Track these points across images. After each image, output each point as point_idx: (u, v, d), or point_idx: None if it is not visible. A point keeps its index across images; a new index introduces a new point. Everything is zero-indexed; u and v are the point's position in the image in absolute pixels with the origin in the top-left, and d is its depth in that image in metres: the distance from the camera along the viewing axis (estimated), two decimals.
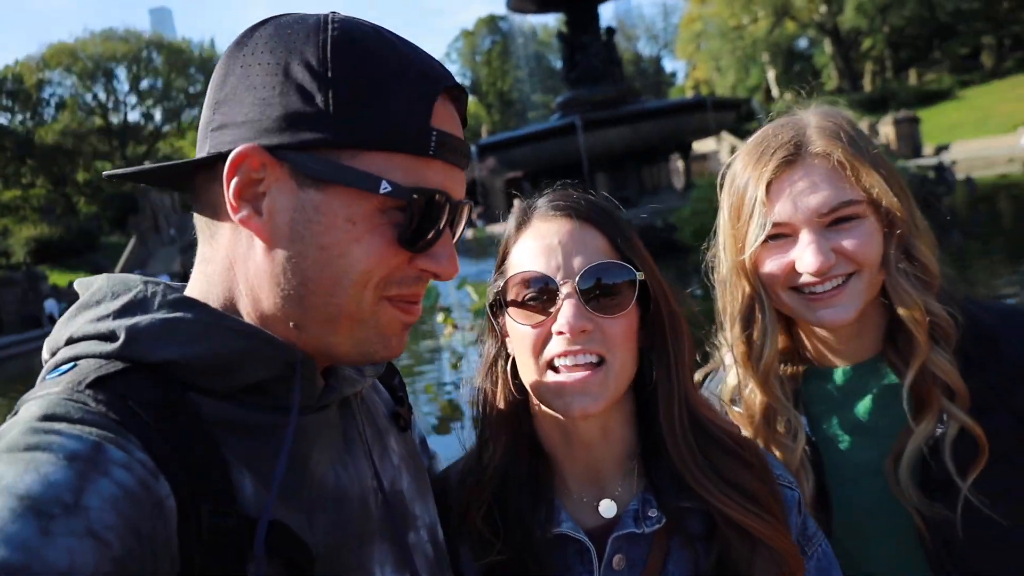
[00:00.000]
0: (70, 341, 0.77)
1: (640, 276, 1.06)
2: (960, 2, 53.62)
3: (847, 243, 1.21)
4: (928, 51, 59.66)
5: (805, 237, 1.22)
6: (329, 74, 0.75)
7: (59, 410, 0.66)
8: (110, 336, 0.74)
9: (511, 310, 1.07)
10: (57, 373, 0.73)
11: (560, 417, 1.07)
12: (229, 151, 0.76)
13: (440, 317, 7.03)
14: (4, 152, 56.64)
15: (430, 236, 0.80)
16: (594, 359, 1.03)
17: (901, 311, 1.22)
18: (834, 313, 1.23)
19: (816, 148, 1.23)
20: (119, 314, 0.76)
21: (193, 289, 0.84)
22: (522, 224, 1.11)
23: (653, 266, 1.09)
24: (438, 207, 0.80)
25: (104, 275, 0.84)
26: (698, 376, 1.46)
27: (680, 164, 24.22)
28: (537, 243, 1.07)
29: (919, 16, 55.44)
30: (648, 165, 20.38)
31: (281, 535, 0.73)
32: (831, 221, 1.22)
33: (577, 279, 1.03)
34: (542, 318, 1.04)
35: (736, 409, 1.39)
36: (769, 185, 1.25)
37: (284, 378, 0.79)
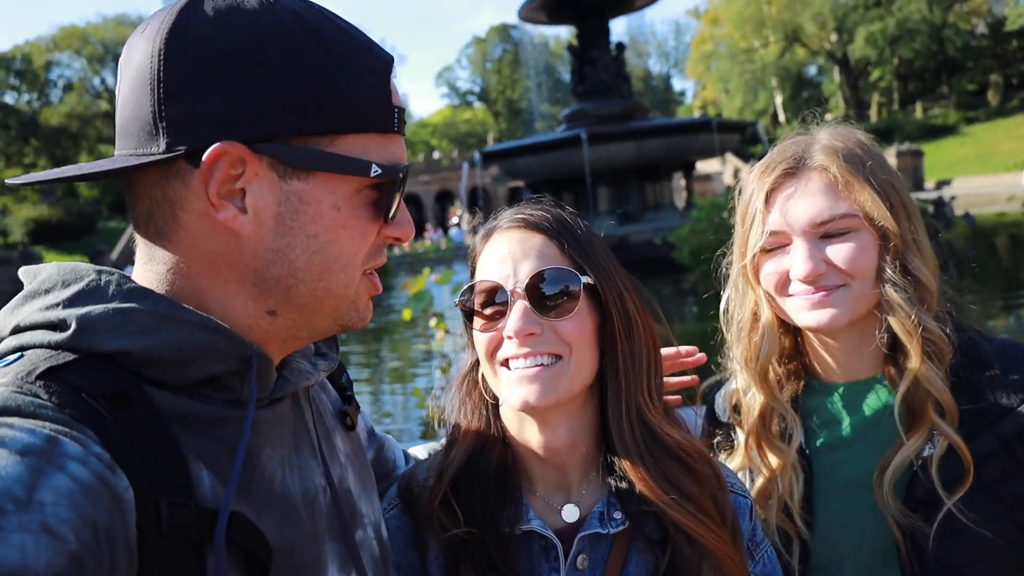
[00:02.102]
0: (16, 330, 0.74)
1: (586, 280, 1.09)
2: (969, 38, 54.03)
3: (837, 254, 1.25)
4: (935, 85, 60.06)
5: (798, 245, 1.27)
6: (295, 59, 0.74)
7: (9, 403, 0.64)
8: (60, 325, 0.72)
9: (474, 318, 1.13)
10: (3, 364, 0.70)
11: (522, 421, 1.13)
12: (199, 148, 0.73)
13: (433, 322, 7.03)
14: (8, 131, 56.61)
15: (397, 206, 0.84)
16: (547, 360, 1.07)
17: (893, 322, 1.25)
18: (821, 316, 1.27)
19: (814, 162, 1.28)
20: (70, 303, 0.73)
21: (155, 283, 0.80)
22: (485, 237, 1.17)
23: (612, 270, 1.13)
24: (405, 179, 0.84)
25: (54, 263, 0.80)
26: (704, 385, 1.49)
27: (682, 183, 24.29)
28: (493, 255, 1.12)
29: (928, 50, 55.82)
30: (651, 182, 20.41)
31: (241, 527, 0.72)
32: (824, 233, 1.26)
33: (524, 285, 1.07)
34: (496, 324, 1.09)
35: (737, 416, 1.44)
36: (769, 195, 1.31)
37: (238, 371, 0.78)
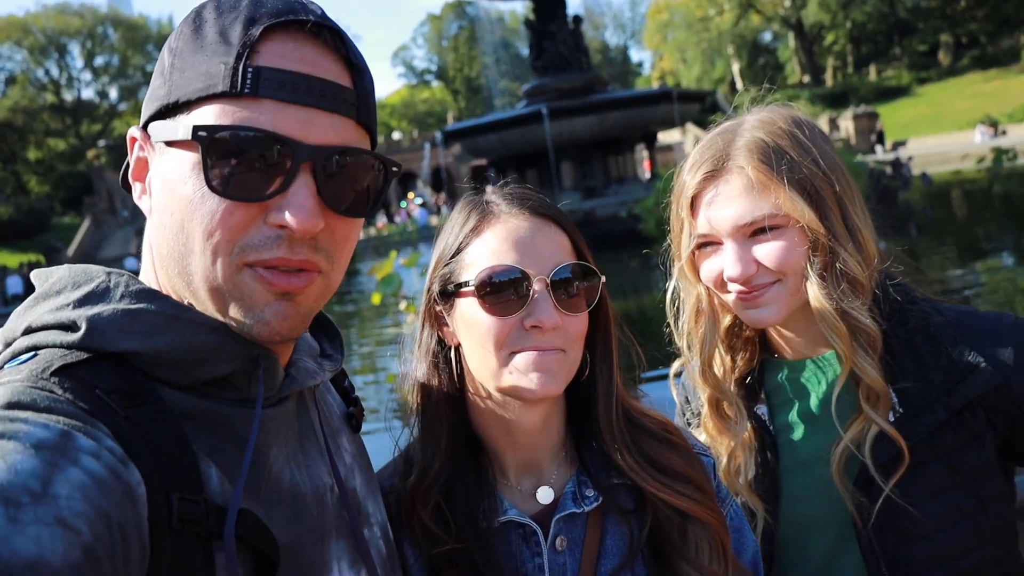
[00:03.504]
0: (28, 331, 0.75)
1: (603, 279, 1.12)
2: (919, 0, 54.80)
3: (765, 254, 1.25)
4: (888, 47, 60.92)
5: (728, 247, 1.28)
6: (171, 41, 0.80)
7: (24, 398, 0.65)
8: (71, 326, 0.73)
9: (476, 300, 1.07)
10: (16, 362, 0.72)
11: (504, 407, 1.11)
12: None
13: (403, 305, 6.99)
14: None
15: (259, 182, 0.73)
16: (558, 354, 1.07)
17: (818, 319, 1.26)
18: (758, 314, 1.29)
19: (733, 163, 1.27)
20: (80, 304, 0.75)
21: (142, 278, 0.84)
22: (483, 217, 1.11)
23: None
24: (254, 145, 0.73)
25: (65, 265, 0.82)
26: (675, 366, 1.51)
27: (645, 154, 24.38)
28: (507, 239, 1.08)
29: (880, 12, 56.56)
30: (614, 155, 20.45)
31: (249, 524, 0.73)
32: (751, 232, 1.26)
33: (550, 276, 1.06)
34: (510, 310, 1.05)
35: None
36: (694, 199, 1.32)
37: (245, 371, 0.79)
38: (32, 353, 0.72)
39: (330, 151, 0.76)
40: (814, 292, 1.25)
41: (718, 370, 1.41)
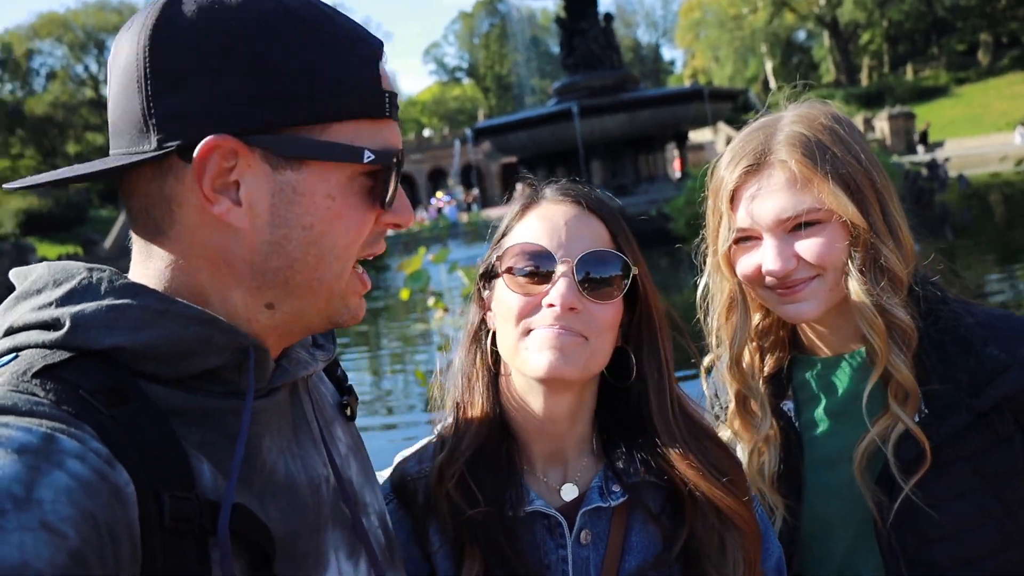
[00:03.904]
0: (9, 331, 0.73)
1: (634, 271, 1.11)
2: None
3: (806, 249, 1.25)
4: (926, 47, 59.68)
5: (767, 242, 1.27)
6: (282, 49, 0.74)
7: (5, 402, 0.64)
8: (54, 324, 0.71)
9: (505, 277, 1.10)
10: None
11: (530, 393, 1.12)
12: (191, 143, 0.72)
13: (431, 301, 7.03)
14: None
15: (393, 192, 0.83)
16: (577, 338, 1.07)
17: (857, 316, 1.25)
18: (797, 310, 1.28)
19: (775, 157, 1.27)
20: (63, 301, 0.73)
21: (152, 280, 0.80)
22: (528, 205, 1.15)
23: (644, 266, 1.15)
24: (401, 165, 0.84)
25: (44, 263, 0.79)
26: (707, 360, 1.51)
27: (675, 153, 24.20)
28: (542, 223, 1.11)
29: (917, 11, 55.40)
30: (644, 153, 20.33)
31: (243, 518, 0.72)
32: (792, 227, 1.26)
33: (576, 260, 1.07)
34: (535, 289, 1.08)
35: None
36: (734, 193, 1.31)
37: (235, 364, 0.77)
38: (14, 355, 0.70)
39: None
40: (855, 287, 1.24)
41: (746, 366, 1.41)
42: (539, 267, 1.08)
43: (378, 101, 0.80)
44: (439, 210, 34.70)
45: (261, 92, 0.73)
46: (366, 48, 0.80)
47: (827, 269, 1.25)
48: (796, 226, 1.25)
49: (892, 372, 1.23)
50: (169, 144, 0.73)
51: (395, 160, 0.82)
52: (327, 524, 0.86)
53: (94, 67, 62.92)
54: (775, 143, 1.28)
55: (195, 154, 0.72)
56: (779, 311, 1.32)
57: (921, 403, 1.23)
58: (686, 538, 1.09)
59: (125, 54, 0.75)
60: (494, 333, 1.16)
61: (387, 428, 6.21)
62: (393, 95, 0.82)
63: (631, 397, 1.16)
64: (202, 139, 0.72)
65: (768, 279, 1.28)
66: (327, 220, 0.78)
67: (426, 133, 60.57)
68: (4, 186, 0.84)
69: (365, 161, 0.78)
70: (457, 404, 1.18)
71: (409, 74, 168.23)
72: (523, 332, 1.08)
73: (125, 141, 0.76)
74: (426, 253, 7.11)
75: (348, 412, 1.04)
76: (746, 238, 1.31)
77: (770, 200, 1.26)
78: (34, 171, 56.28)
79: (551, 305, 1.05)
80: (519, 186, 1.21)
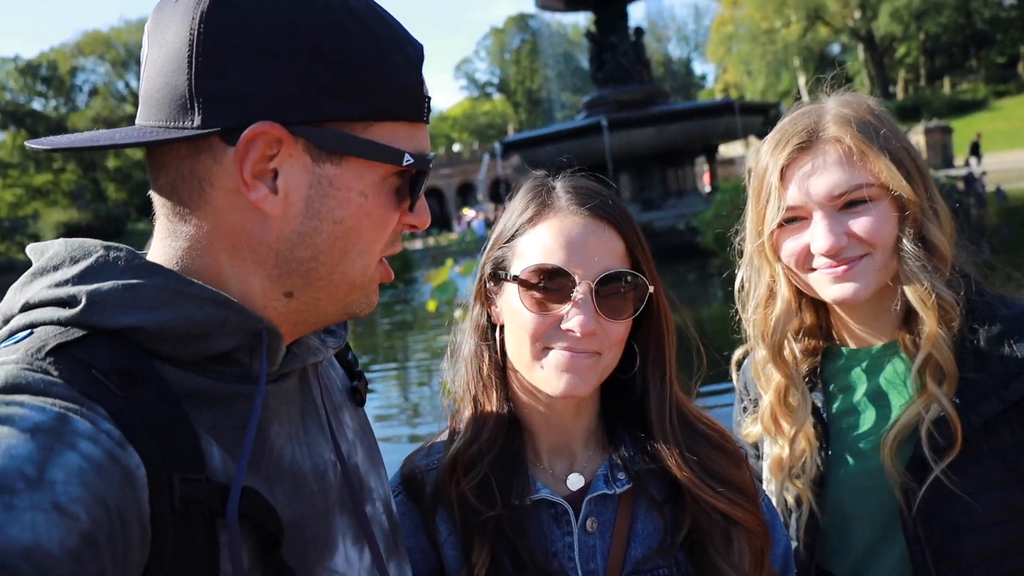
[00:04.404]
0: (25, 308, 0.73)
1: (651, 289, 1.11)
2: (998, 10, 52.69)
3: (858, 225, 1.25)
4: (963, 59, 58.72)
5: (817, 219, 1.27)
6: (339, 44, 0.74)
7: (20, 380, 0.63)
8: (69, 301, 0.71)
9: (519, 290, 1.09)
10: (12, 341, 0.70)
11: (538, 392, 1.13)
12: (236, 126, 0.72)
13: (458, 313, 7.05)
14: (37, 137, 57.50)
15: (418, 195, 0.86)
16: (591, 357, 1.09)
17: (909, 292, 1.25)
18: (846, 290, 1.27)
19: (828, 134, 1.28)
20: (79, 279, 0.72)
21: (157, 259, 0.79)
22: (541, 209, 1.12)
23: (658, 279, 1.15)
24: (429, 169, 0.85)
25: (61, 240, 0.79)
26: (738, 353, 1.52)
27: (705, 167, 24.05)
28: (558, 237, 1.09)
29: (955, 23, 54.57)
30: (673, 167, 20.24)
31: (253, 501, 0.72)
32: (843, 204, 1.26)
33: (595, 281, 1.06)
34: (551, 307, 1.08)
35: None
36: (784, 170, 1.30)
37: (248, 347, 0.77)
38: (29, 331, 0.70)
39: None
40: (909, 261, 1.25)
41: (788, 357, 1.40)
42: (556, 285, 1.07)
43: (419, 105, 0.82)
44: (468, 224, 34.92)
45: (311, 84, 0.73)
46: (412, 51, 0.81)
47: (877, 247, 1.25)
48: (846, 204, 1.26)
49: (934, 352, 1.23)
50: (213, 125, 0.72)
51: (429, 164, 0.84)
52: (334, 510, 0.86)
53: (135, 83, 64.50)
54: (825, 122, 1.29)
55: (241, 138, 0.72)
56: (825, 293, 1.30)
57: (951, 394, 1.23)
58: (690, 528, 1.11)
59: (176, 27, 0.74)
60: (502, 326, 1.17)
61: (414, 440, 6.23)
62: (430, 100, 0.84)
63: (635, 392, 1.18)
64: (248, 124, 0.72)
65: (816, 259, 1.28)
66: (357, 216, 0.79)
67: (456, 148, 61.03)
68: (27, 143, 0.83)
69: (404, 164, 0.79)
70: (465, 398, 1.19)
71: (440, 90, 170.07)
72: (540, 350, 1.09)
73: (162, 114, 0.74)
74: (453, 265, 7.15)
75: (358, 397, 1.04)
76: (792, 220, 1.31)
77: (824, 176, 1.26)
78: (75, 185, 57.87)
79: (570, 331, 1.06)
80: (529, 183, 1.19)
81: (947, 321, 1.24)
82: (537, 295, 1.08)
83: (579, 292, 1.06)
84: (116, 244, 0.77)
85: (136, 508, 0.63)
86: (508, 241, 1.15)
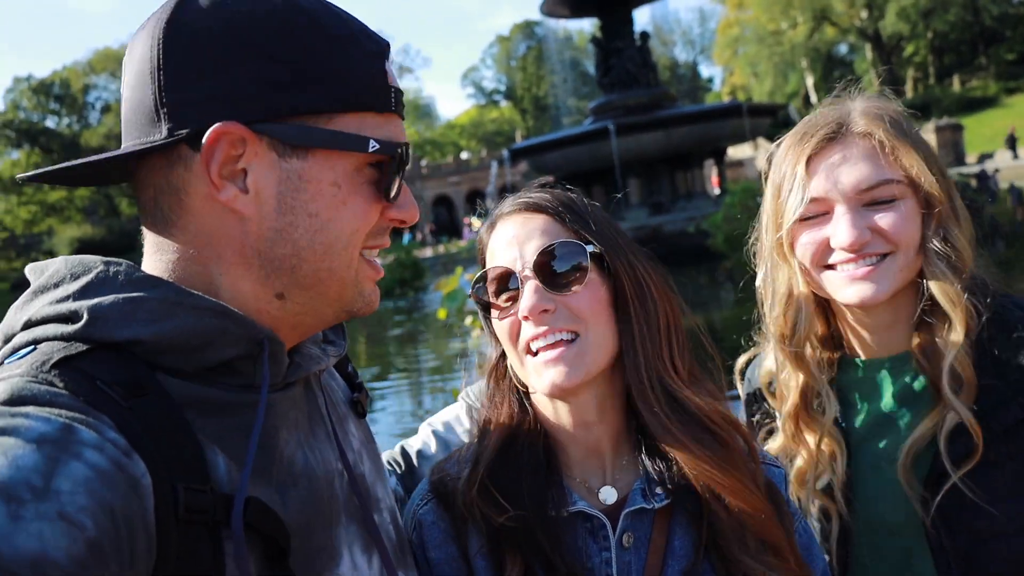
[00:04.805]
0: (28, 325, 0.74)
1: (592, 249, 1.08)
2: (1007, 6, 52.35)
3: (884, 222, 1.22)
4: (973, 57, 58.33)
5: (840, 213, 1.23)
6: (290, 41, 0.76)
7: (25, 392, 0.64)
8: (71, 317, 0.72)
9: (491, 307, 1.12)
10: (16, 357, 0.71)
11: (554, 400, 1.12)
12: (199, 130, 0.74)
13: (468, 320, 7.05)
14: (51, 154, 58.25)
15: (399, 186, 0.85)
16: (567, 336, 1.06)
17: (936, 291, 1.22)
18: (864, 290, 1.23)
19: (858, 128, 1.26)
20: (80, 295, 0.74)
21: (161, 269, 0.81)
22: (490, 227, 1.17)
23: (618, 239, 1.12)
24: (406, 158, 0.84)
25: (61, 258, 0.81)
26: (741, 361, 1.47)
27: (714, 169, 23.99)
28: (500, 240, 1.13)
29: (963, 21, 54.24)
30: (682, 170, 20.20)
31: (257, 511, 0.72)
32: (869, 200, 1.23)
33: (532, 264, 1.08)
34: (512, 309, 1.09)
35: (772, 396, 1.42)
36: (809, 160, 1.27)
37: (250, 356, 0.78)
38: (33, 347, 0.71)
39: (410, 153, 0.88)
40: (933, 261, 1.22)
41: (811, 359, 1.35)
42: (507, 286, 1.09)
43: (383, 95, 0.82)
44: (477, 232, 34.94)
45: (268, 81, 0.75)
46: (372, 44, 0.82)
47: (900, 245, 1.22)
48: (870, 203, 1.23)
49: (956, 358, 1.21)
50: (179, 132, 0.75)
51: (400, 152, 0.83)
52: (340, 518, 0.86)
53: None
54: (855, 116, 1.28)
55: (204, 141, 0.74)
56: (842, 294, 1.25)
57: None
58: (708, 533, 1.06)
59: (140, 49, 0.78)
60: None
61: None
62: (399, 91, 0.85)
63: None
64: (210, 126, 0.74)
65: (835, 254, 1.24)
66: (332, 207, 0.79)
67: (464, 155, 61.17)
68: (17, 176, 0.88)
69: (370, 150, 0.79)
70: (486, 420, 1.18)
71: (448, 98, 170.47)
72: (524, 353, 1.09)
73: (137, 132, 0.78)
74: (463, 273, 7.15)
75: (360, 409, 1.04)
76: (812, 215, 1.27)
77: (852, 168, 1.24)
78: (88, 200, 58.37)
79: (525, 318, 1.06)
80: (475, 218, 1.21)
81: (970, 326, 1.21)
82: (501, 301, 1.10)
83: (521, 278, 1.08)
84: (116, 259, 0.79)
85: (142, 516, 0.64)
86: (480, 271, 1.17)
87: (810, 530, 1.22)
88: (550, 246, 1.08)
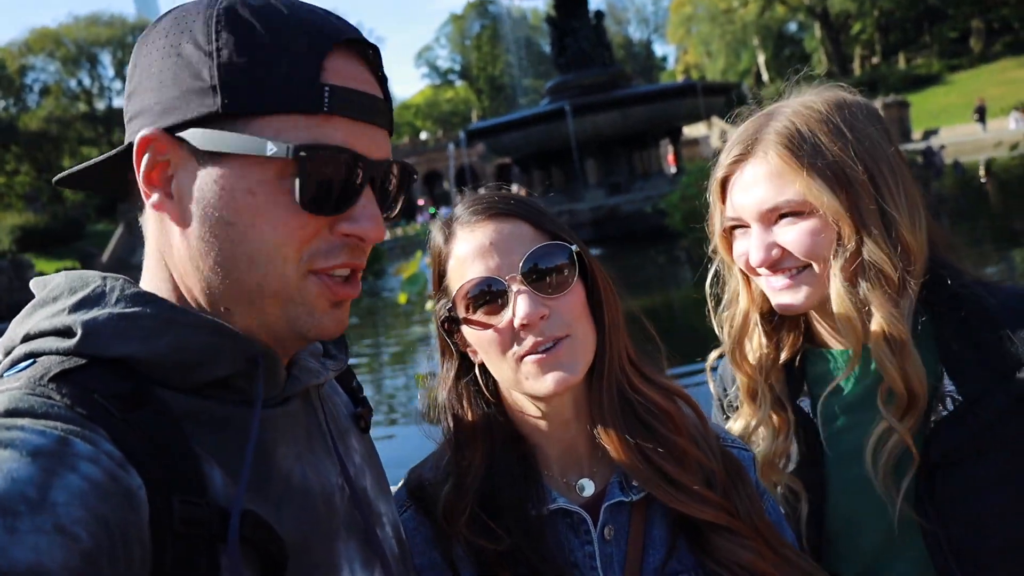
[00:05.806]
0: (26, 338, 0.75)
1: (575, 248, 1.10)
2: None
3: (787, 239, 1.24)
4: (917, 35, 59.74)
5: (752, 231, 1.27)
6: (214, 46, 0.75)
7: (22, 405, 0.65)
8: (67, 332, 0.73)
9: (469, 322, 1.10)
10: (15, 370, 0.72)
11: (537, 403, 1.12)
12: (131, 141, 0.78)
13: (429, 304, 7.03)
14: None
15: (338, 196, 0.78)
16: (562, 345, 1.07)
17: (836, 308, 1.23)
18: (785, 299, 1.27)
19: (760, 148, 1.26)
20: (75, 309, 0.74)
21: (143, 284, 0.83)
22: (448, 237, 1.14)
23: (576, 235, 1.14)
24: (339, 164, 0.77)
25: (63, 272, 0.82)
26: (712, 358, 1.49)
27: (670, 149, 24.19)
28: (469, 250, 1.10)
29: None
30: (639, 150, 20.33)
31: (253, 525, 0.72)
32: (777, 217, 1.25)
33: (520, 271, 1.06)
34: (499, 317, 1.07)
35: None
36: (723, 182, 1.32)
37: (246, 372, 0.78)
38: (31, 360, 0.72)
39: (387, 165, 0.83)
40: (834, 284, 1.23)
41: (752, 355, 1.39)
42: (492, 295, 1.07)
43: (313, 95, 0.76)
44: (432, 215, 34.81)
45: (186, 89, 0.76)
46: (306, 40, 0.77)
47: (812, 260, 1.24)
48: (782, 216, 1.24)
49: (881, 373, 1.22)
50: (126, 143, 0.79)
51: (323, 157, 0.76)
52: (340, 534, 0.85)
53: (87, 81, 62.98)
54: (764, 133, 1.27)
55: (134, 149, 0.77)
56: (772, 300, 1.31)
57: (952, 390, 1.21)
58: (682, 517, 1.08)
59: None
60: (482, 365, 1.15)
61: (387, 438, 6.24)
62: (342, 89, 0.77)
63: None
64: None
65: (758, 268, 1.28)
66: (248, 215, 0.76)
67: (422, 136, 60.59)
68: (54, 180, 0.91)
69: (268, 154, 0.74)
70: (456, 441, 1.16)
71: (402, 79, 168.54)
72: (515, 361, 1.07)
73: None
74: (423, 256, 7.11)
75: (362, 423, 1.03)
76: (738, 226, 1.31)
77: (752, 191, 1.26)
78: (30, 187, 56.26)
79: (524, 326, 1.05)
80: (436, 219, 1.19)
81: (892, 344, 1.20)
82: (482, 314, 1.08)
83: (512, 287, 1.06)
84: (114, 275, 0.79)
85: (137, 528, 0.64)
86: (440, 285, 1.14)
87: (778, 509, 1.25)
88: (537, 250, 1.07)
